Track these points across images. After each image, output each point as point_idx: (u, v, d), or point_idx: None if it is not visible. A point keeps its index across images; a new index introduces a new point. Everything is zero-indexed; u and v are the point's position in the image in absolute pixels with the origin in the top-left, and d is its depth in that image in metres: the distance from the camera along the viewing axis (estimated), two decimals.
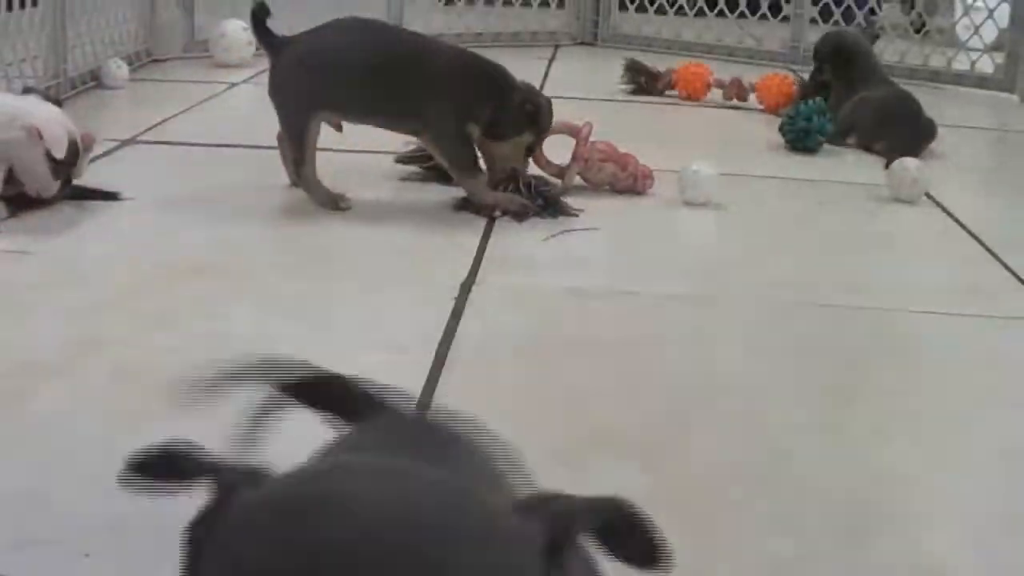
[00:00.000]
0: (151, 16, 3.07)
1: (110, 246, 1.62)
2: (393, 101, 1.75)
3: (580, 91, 2.91)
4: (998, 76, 3.28)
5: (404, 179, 1.97)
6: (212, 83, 2.82)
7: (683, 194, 1.91)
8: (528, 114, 1.75)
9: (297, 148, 1.78)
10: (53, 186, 1.72)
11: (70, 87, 2.57)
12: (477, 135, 1.75)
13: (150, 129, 2.30)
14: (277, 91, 1.79)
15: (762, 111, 2.74)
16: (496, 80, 1.75)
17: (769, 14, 3.60)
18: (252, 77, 2.89)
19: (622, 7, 3.75)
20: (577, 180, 1.92)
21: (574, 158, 1.90)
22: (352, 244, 1.66)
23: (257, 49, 3.06)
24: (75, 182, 1.78)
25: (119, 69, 2.73)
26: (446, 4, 3.97)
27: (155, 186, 1.92)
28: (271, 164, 1.90)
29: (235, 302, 1.42)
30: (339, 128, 1.83)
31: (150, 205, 1.80)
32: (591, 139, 1.92)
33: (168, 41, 3.11)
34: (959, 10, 3.70)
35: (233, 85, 2.81)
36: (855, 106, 2.46)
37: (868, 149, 2.38)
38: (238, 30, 3.04)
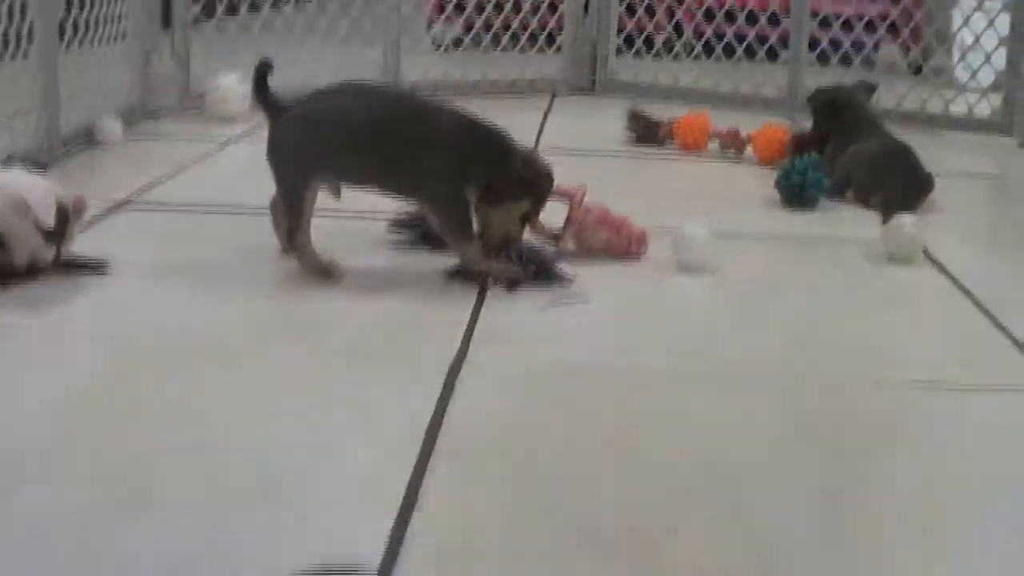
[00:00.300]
0: (146, 69, 3.06)
1: (96, 324, 1.60)
2: (391, 165, 1.74)
3: (578, 141, 2.91)
4: (996, 120, 3.27)
5: (396, 245, 1.95)
6: (207, 140, 2.81)
7: (677, 257, 1.89)
8: (527, 181, 1.74)
9: (293, 214, 1.77)
10: (48, 254, 1.71)
11: (62, 145, 2.56)
12: (474, 200, 1.73)
13: (143, 192, 2.29)
14: (275, 155, 1.78)
15: (759, 162, 2.72)
16: (495, 144, 1.74)
17: (766, 58, 3.59)
18: (247, 134, 2.88)
19: (619, 52, 3.74)
20: (571, 244, 1.90)
21: (568, 222, 1.89)
22: (342, 319, 1.64)
23: (253, 102, 3.08)
24: (65, 253, 1.77)
25: (113, 126, 2.72)
26: (439, 50, 3.97)
27: (146, 255, 1.91)
28: (262, 229, 1.89)
29: (220, 391, 1.40)
30: (337, 194, 1.82)
31: (139, 277, 1.78)
32: (585, 203, 1.90)
33: (163, 94, 3.11)
34: (957, 52, 3.69)
35: (227, 142, 2.79)
36: (850, 160, 2.44)
37: (864, 203, 2.36)
38: (233, 84, 3.04)
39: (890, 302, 1.85)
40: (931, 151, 2.51)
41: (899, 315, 1.78)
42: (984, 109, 3.28)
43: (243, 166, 2.60)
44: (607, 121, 3.12)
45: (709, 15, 3.66)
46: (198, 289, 1.74)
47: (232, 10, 3.25)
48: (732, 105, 3.50)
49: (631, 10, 3.80)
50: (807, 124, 2.92)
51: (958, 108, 3.31)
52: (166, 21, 3.12)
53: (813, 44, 3.47)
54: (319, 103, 1.79)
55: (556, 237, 1.88)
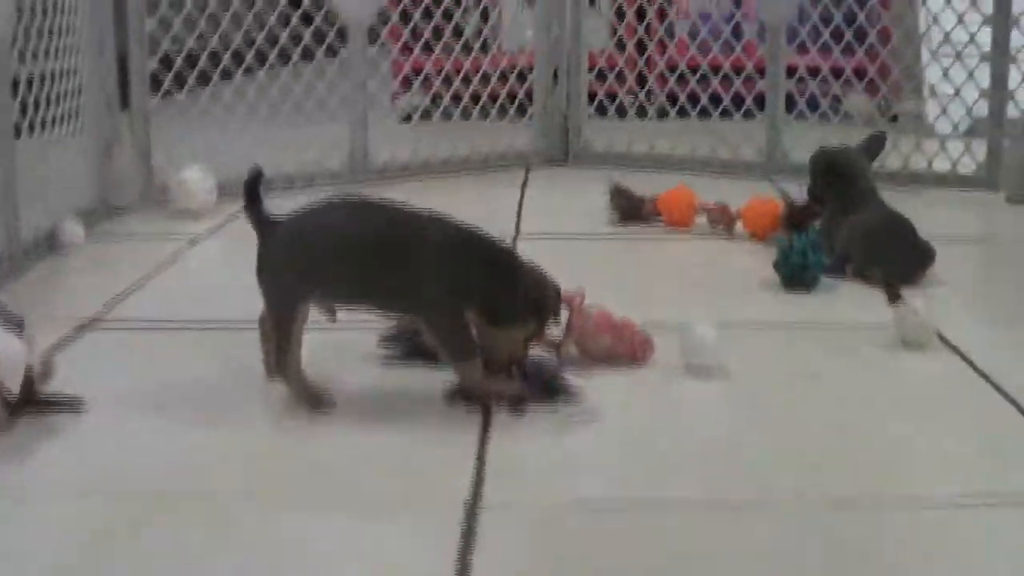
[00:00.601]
0: (106, 163, 2.94)
1: (66, 476, 1.47)
2: (387, 288, 1.64)
3: (559, 222, 2.81)
4: (981, 175, 3.21)
5: (387, 360, 1.83)
6: (173, 237, 2.69)
7: (685, 359, 1.78)
8: (533, 302, 1.63)
9: (282, 337, 1.66)
10: (4, 424, 1.59)
11: (23, 254, 2.43)
12: (476, 321, 1.62)
13: (112, 306, 2.17)
14: (264, 275, 1.67)
15: (750, 238, 2.63)
16: (499, 264, 1.64)
17: (743, 118, 3.52)
18: (215, 229, 2.77)
19: (589, 116, 3.66)
20: (572, 350, 1.80)
21: (569, 330, 1.78)
22: (340, 455, 1.52)
23: (219, 195, 2.97)
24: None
25: (74, 229, 2.59)
26: (406, 122, 3.87)
27: (121, 382, 1.78)
28: (239, 345, 1.77)
29: (206, 553, 1.28)
30: (332, 314, 1.71)
31: (116, 412, 1.66)
32: (584, 305, 1.80)
33: (125, 190, 2.99)
34: (931, 99, 3.64)
35: (195, 240, 2.68)
36: (848, 234, 2.35)
37: (864, 278, 2.28)
38: (197, 176, 2.93)
39: (914, 398, 1.75)
40: (914, 211, 2.43)
41: (925, 414, 1.69)
42: (968, 164, 3.22)
43: (214, 268, 2.49)
44: (586, 196, 3.03)
45: (681, 77, 3.58)
46: (181, 423, 1.62)
47: (181, 85, 3.13)
48: (711, 170, 3.44)
49: (601, 76, 3.73)
50: (790, 188, 2.86)
51: (941, 164, 3.25)
52: (124, 102, 3.01)
53: (790, 101, 3.41)
54: (311, 220, 1.68)
55: (556, 346, 1.77)
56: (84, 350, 1.95)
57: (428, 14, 3.51)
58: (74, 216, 2.65)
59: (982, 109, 3.22)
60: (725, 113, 3.56)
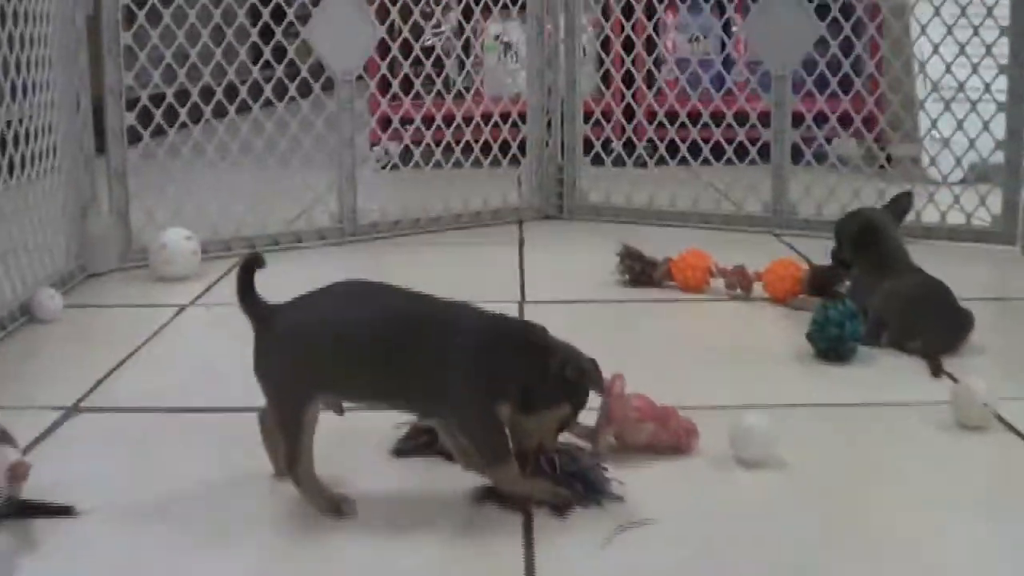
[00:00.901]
0: (83, 227, 2.77)
1: None
2: (408, 381, 1.46)
3: (566, 286, 2.66)
4: (996, 228, 3.09)
5: (403, 454, 1.67)
6: (157, 307, 2.52)
7: (736, 452, 1.63)
8: (568, 383, 1.46)
9: (290, 441, 1.48)
10: None
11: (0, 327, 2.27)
12: (507, 415, 1.46)
13: (95, 388, 1.99)
14: (265, 373, 1.48)
15: (769, 301, 2.50)
16: (531, 348, 1.46)
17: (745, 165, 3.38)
18: (201, 296, 2.60)
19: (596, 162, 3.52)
20: (610, 440, 1.64)
21: (607, 420, 1.62)
22: (366, 573, 1.36)
23: (204, 257, 2.81)
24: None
25: (52, 300, 2.42)
26: (384, 169, 3.71)
27: (113, 481, 1.61)
28: (244, 435, 1.60)
29: None
30: (340, 411, 1.54)
31: (109, 520, 1.48)
32: (624, 392, 1.64)
33: (103, 254, 2.82)
34: (929, 143, 3.53)
35: (181, 309, 2.50)
36: (884, 302, 2.22)
37: (901, 348, 2.14)
38: (180, 240, 2.76)
39: (979, 486, 1.61)
40: (932, 269, 2.30)
41: (1006, 510, 1.54)
42: (984, 216, 3.10)
43: (205, 341, 2.32)
44: (588, 254, 2.89)
45: (682, 125, 3.44)
46: (183, 534, 1.45)
47: (161, 133, 2.97)
48: (714, 224, 3.30)
49: (597, 125, 3.60)
50: (798, 243, 2.72)
51: (954, 217, 3.13)
52: (100, 147, 2.84)
53: (796, 150, 3.28)
54: (316, 309, 1.49)
55: (593, 436, 1.62)
56: (68, 439, 1.78)
57: (406, 56, 3.35)
58: (50, 285, 2.47)
59: (987, 156, 3.11)
60: (729, 161, 3.43)
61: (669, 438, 1.65)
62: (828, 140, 3.37)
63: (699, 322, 2.44)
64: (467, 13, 3.74)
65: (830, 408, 1.88)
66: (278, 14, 3.15)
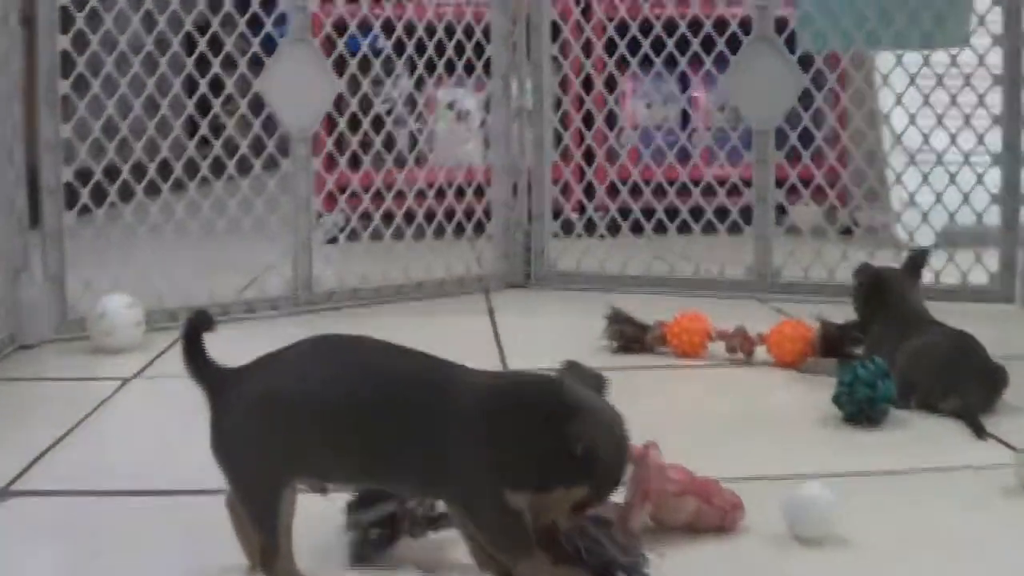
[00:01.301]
0: (13, 293, 2.50)
1: None
2: (398, 461, 1.20)
3: (550, 354, 2.40)
4: (993, 287, 2.92)
5: (364, 548, 1.39)
6: (97, 380, 2.25)
7: (793, 528, 1.40)
8: (582, 459, 1.19)
9: (265, 532, 1.22)
10: None
11: None
12: (524, 500, 1.21)
13: (27, 470, 1.72)
14: (227, 454, 1.21)
15: (774, 365, 2.29)
16: (545, 410, 1.20)
17: (727, 232, 3.19)
18: (145, 368, 2.34)
19: (555, 236, 3.31)
20: (646, 520, 1.40)
21: (641, 496, 1.38)
22: None
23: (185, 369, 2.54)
24: None
25: None
26: (330, 243, 3.48)
27: None
28: (204, 521, 1.34)
29: None
30: (323, 491, 1.28)
31: None
32: (659, 463, 1.41)
33: (35, 324, 2.54)
34: (896, 204, 3.39)
35: (124, 382, 2.24)
36: (910, 360, 2.01)
37: (933, 409, 1.94)
38: (120, 309, 2.50)
39: None
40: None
41: None
42: (981, 276, 2.93)
43: (149, 419, 2.05)
44: (567, 321, 2.69)
45: (659, 190, 3.25)
46: None
47: (100, 201, 2.70)
48: (692, 288, 3.10)
49: (566, 189, 3.41)
50: (793, 313, 2.52)
51: (950, 279, 2.95)
52: (34, 220, 2.57)
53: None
54: (284, 370, 1.23)
55: (624, 515, 1.37)
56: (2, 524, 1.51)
57: (354, 125, 3.12)
58: None
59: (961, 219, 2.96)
60: (707, 228, 3.24)
61: (713, 514, 1.41)
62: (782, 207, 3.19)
63: (705, 389, 2.22)
64: (418, 82, 3.52)
65: (880, 477, 1.66)
66: (216, 85, 2.88)
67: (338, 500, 1.35)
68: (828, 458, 1.75)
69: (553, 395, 1.22)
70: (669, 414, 2.01)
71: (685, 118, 4.15)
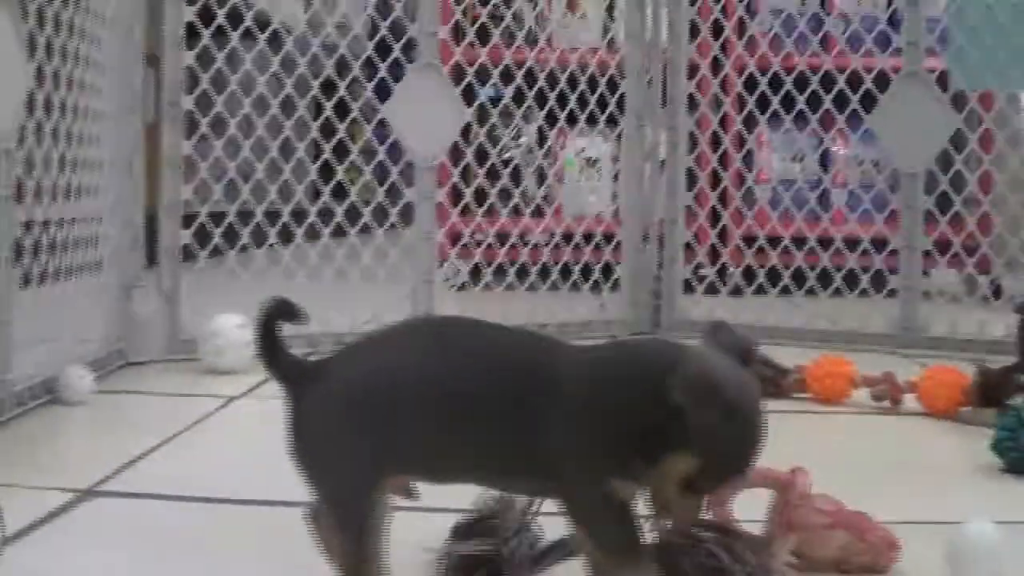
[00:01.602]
0: (125, 310, 2.44)
1: None
2: (494, 448, 1.06)
3: None
4: None
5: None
6: (201, 397, 2.16)
7: (956, 572, 1.22)
8: (689, 416, 0.99)
9: (353, 540, 1.07)
10: None
11: (15, 404, 1.91)
12: (633, 486, 1.05)
13: (117, 473, 1.62)
14: (308, 454, 1.07)
15: (924, 414, 2.09)
16: (652, 375, 1.01)
17: (873, 289, 3.00)
18: (255, 388, 2.24)
19: (687, 289, 3.15)
20: (787, 555, 1.23)
21: (784, 526, 1.22)
22: None
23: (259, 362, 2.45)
24: None
25: (81, 380, 2.06)
26: (453, 290, 3.37)
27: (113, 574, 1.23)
28: (292, 531, 1.21)
29: None
30: (409, 493, 1.14)
31: None
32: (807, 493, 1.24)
33: (146, 342, 2.47)
34: None
35: (230, 400, 2.14)
36: None
37: None
38: (232, 328, 2.40)
39: None
40: None
41: None
42: None
43: (249, 435, 1.94)
44: None
45: (799, 243, 3.08)
46: None
47: (217, 251, 2.64)
48: (830, 341, 2.90)
49: (698, 237, 3.25)
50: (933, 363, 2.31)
51: None
52: (151, 257, 2.52)
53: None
54: (371, 361, 1.09)
55: (766, 548, 1.20)
56: (77, 526, 1.40)
57: (481, 166, 3.03)
58: (83, 365, 2.12)
59: None
60: (836, 291, 3.05)
61: (866, 552, 1.24)
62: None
63: (851, 434, 2.04)
64: (544, 129, 3.41)
65: None
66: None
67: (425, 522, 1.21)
68: (991, 506, 1.55)
69: (660, 354, 1.05)
70: (812, 457, 1.81)
71: (823, 169, 3.98)
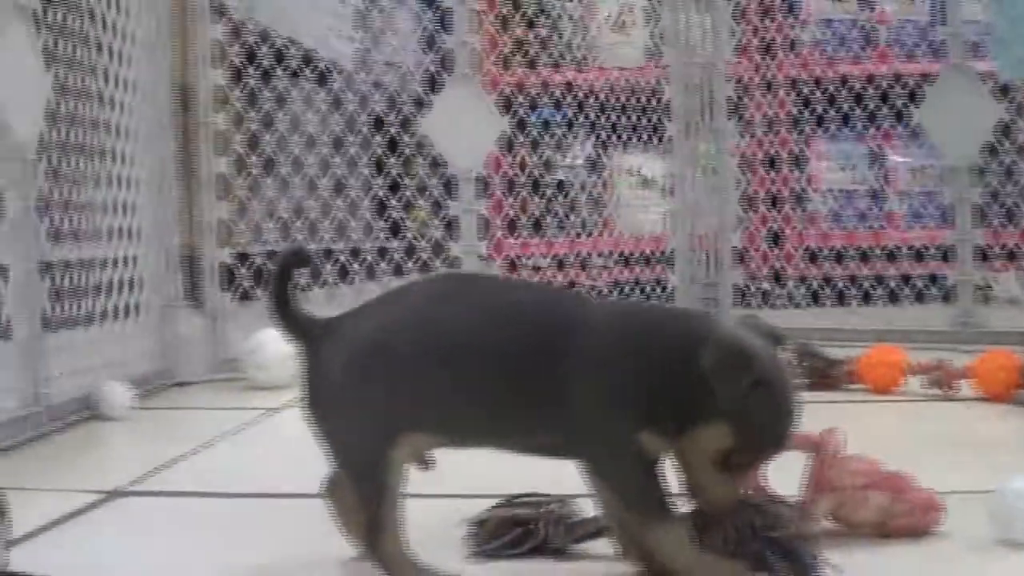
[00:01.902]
0: (167, 329, 2.43)
1: None
2: (519, 409, 1.02)
3: None
4: None
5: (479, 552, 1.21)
6: (242, 409, 2.14)
7: (1002, 531, 1.16)
8: (715, 386, 0.98)
9: (370, 503, 1.04)
10: None
11: (54, 418, 1.91)
12: (662, 444, 1.02)
13: (151, 474, 1.60)
14: (323, 411, 1.05)
15: (979, 399, 2.02)
16: (683, 341, 1.01)
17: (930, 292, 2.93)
18: (296, 401, 2.21)
19: (741, 300, 3.10)
20: (823, 518, 1.18)
21: (819, 488, 1.17)
22: None
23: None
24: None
25: (120, 396, 2.05)
26: None
27: (142, 566, 1.20)
28: (322, 520, 1.18)
29: None
30: (425, 462, 1.10)
31: None
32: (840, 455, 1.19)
33: (188, 361, 2.47)
34: None
35: (272, 411, 2.12)
36: None
37: None
38: (274, 343, 2.39)
39: None
40: None
41: None
42: None
43: (288, 440, 1.91)
44: None
45: (864, 256, 3.02)
46: None
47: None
48: (889, 341, 2.82)
49: (752, 246, 3.20)
50: None
51: None
52: (194, 297, 2.52)
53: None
54: (387, 316, 1.06)
55: (799, 512, 1.14)
56: (107, 521, 1.38)
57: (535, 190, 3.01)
58: (123, 381, 2.11)
59: None
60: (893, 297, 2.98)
61: (905, 514, 1.18)
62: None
63: (904, 418, 1.98)
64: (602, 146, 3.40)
65: None
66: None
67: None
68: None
69: (693, 321, 1.04)
70: (863, 440, 1.77)
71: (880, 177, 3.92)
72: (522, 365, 1.01)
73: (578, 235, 3.19)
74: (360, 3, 2.89)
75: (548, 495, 1.19)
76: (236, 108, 2.57)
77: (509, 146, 3.05)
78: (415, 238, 2.83)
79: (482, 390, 1.03)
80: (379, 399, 1.03)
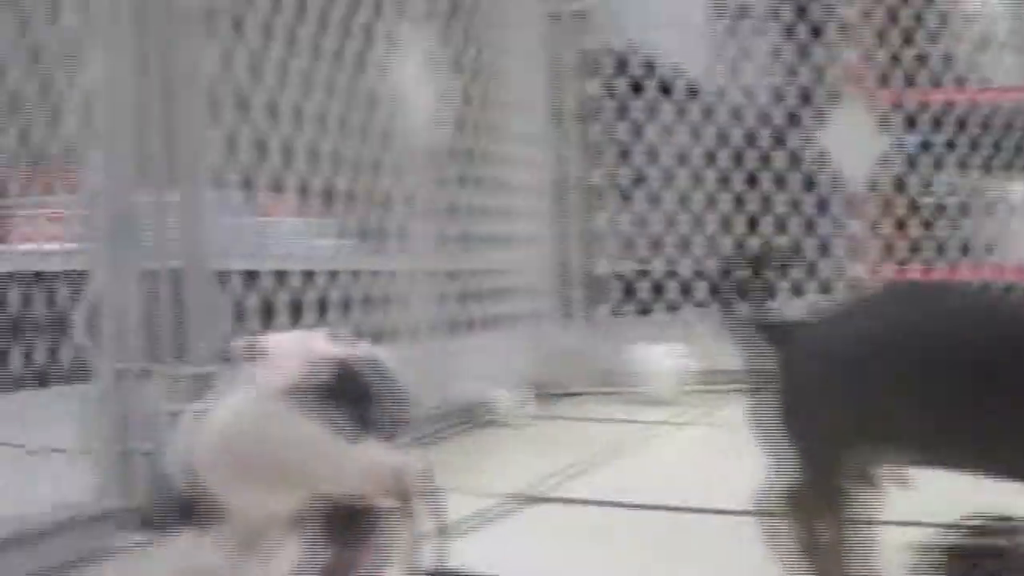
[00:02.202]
0: (552, 339, 2.49)
1: None
2: (1015, 432, 0.95)
3: None
4: None
5: None
6: (634, 423, 2.15)
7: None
8: None
9: (839, 519, 1.00)
10: None
11: (455, 422, 1.99)
12: None
13: (559, 482, 1.63)
14: (792, 414, 1.01)
15: None
16: None
17: None
18: (683, 416, 2.21)
19: None
20: None
21: None
22: None
23: (688, 385, 2.40)
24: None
25: (514, 402, 2.12)
26: None
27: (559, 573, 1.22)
28: (743, 539, 1.14)
29: None
30: (872, 481, 1.04)
31: None
32: None
33: (571, 371, 2.51)
34: None
35: (660, 424, 2.12)
36: None
37: None
38: (662, 358, 2.40)
39: None
40: None
41: None
42: None
43: (688, 454, 1.92)
44: None
45: None
46: None
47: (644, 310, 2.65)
48: None
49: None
50: None
51: None
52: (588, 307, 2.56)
53: None
54: (869, 319, 1.01)
55: None
56: (521, 528, 1.42)
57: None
58: (512, 390, 2.17)
59: None
60: None
61: None
62: None
63: None
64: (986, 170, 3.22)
65: None
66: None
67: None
68: None
69: None
70: None
71: None
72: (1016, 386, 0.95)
73: (959, 261, 3.03)
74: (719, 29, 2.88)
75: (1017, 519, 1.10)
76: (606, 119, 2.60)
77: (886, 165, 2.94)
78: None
79: (972, 411, 0.96)
80: (843, 406, 0.99)
